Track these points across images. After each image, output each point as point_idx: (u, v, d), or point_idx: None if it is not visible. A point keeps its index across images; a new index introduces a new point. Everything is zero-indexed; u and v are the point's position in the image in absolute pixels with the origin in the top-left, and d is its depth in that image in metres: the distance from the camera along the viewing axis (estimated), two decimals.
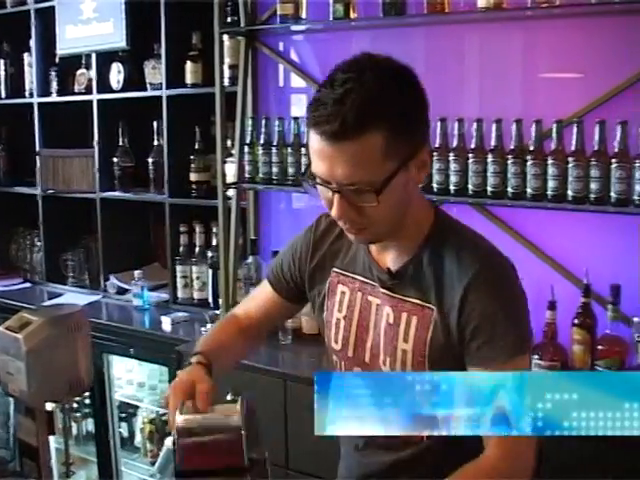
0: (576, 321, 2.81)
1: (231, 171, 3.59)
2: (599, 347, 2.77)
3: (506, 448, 1.57)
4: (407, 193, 1.66)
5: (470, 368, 1.68)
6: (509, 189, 2.80)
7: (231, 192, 3.60)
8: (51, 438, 3.32)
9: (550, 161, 2.71)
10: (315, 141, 1.59)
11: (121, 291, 4.34)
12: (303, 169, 1.63)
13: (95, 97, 4.27)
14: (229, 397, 1.72)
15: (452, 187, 2.90)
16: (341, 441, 1.98)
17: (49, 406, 2.42)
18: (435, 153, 2.92)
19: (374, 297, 1.83)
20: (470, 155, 2.86)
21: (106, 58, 4.22)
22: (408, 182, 1.64)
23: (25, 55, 4.68)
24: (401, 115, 1.57)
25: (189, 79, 3.87)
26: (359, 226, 1.67)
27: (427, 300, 1.74)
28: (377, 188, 1.57)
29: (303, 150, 3.27)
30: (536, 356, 2.80)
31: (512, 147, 2.79)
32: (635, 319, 2.72)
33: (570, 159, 2.68)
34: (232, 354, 2.05)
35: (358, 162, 1.55)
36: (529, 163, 2.74)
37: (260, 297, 2.11)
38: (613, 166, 2.61)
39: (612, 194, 2.62)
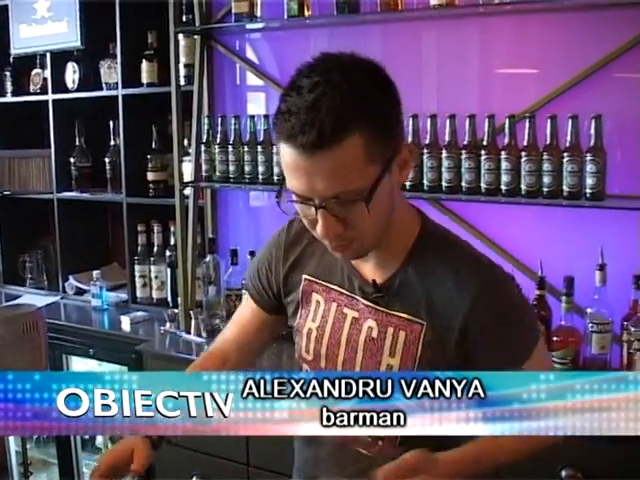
0: None
1: (188, 170, 3.59)
2: (554, 338, 2.81)
3: None
4: (392, 198, 1.56)
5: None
6: (463, 184, 2.83)
7: (188, 191, 3.60)
8: (11, 441, 3.31)
9: (503, 156, 2.74)
10: (289, 155, 1.45)
11: (80, 292, 4.31)
12: (276, 191, 1.49)
13: (50, 97, 4.23)
14: None
15: (407, 182, 2.92)
16: (300, 445, 1.93)
17: None
18: None
19: (351, 309, 1.74)
20: (425, 150, 2.88)
21: (61, 58, 4.18)
22: (393, 185, 1.54)
23: None
24: (378, 114, 1.47)
25: (145, 78, 3.85)
26: (347, 242, 1.56)
27: (416, 315, 1.66)
28: (365, 196, 1.46)
29: (259, 148, 3.28)
30: None
31: (466, 142, 2.82)
32: (589, 310, 2.76)
33: (523, 154, 2.72)
34: None
35: (341, 171, 1.43)
36: (483, 158, 2.78)
37: (241, 317, 1.98)
38: (565, 160, 2.65)
39: (564, 187, 2.66)
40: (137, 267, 4.01)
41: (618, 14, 2.74)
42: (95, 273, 4.11)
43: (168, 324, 3.64)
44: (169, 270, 3.89)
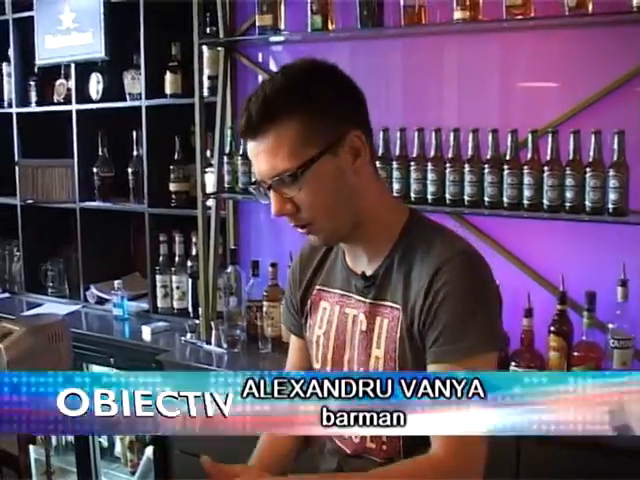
0: (552, 328, 2.84)
1: (210, 181, 3.60)
2: (575, 354, 2.80)
3: (454, 448, 1.56)
4: (343, 184, 1.65)
5: (429, 366, 1.64)
6: (486, 198, 2.83)
7: (210, 202, 3.62)
8: (31, 448, 3.33)
9: (526, 170, 2.74)
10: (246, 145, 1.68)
11: (101, 301, 4.33)
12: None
13: (74, 107, 4.26)
14: None
15: (430, 196, 2.93)
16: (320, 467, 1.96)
17: None
18: (412, 163, 2.95)
19: (351, 309, 1.81)
20: (447, 165, 2.89)
21: (85, 68, 4.22)
22: (341, 170, 1.64)
23: (4, 65, 4.67)
24: (314, 103, 1.60)
25: (168, 89, 3.88)
26: (302, 222, 1.68)
27: (395, 300, 1.72)
28: (295, 174, 1.59)
29: None
30: (513, 362, 2.84)
31: (489, 157, 2.82)
32: (610, 326, 2.75)
33: (545, 168, 2.71)
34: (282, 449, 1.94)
35: (275, 152, 1.59)
36: (505, 172, 2.78)
37: (291, 353, 2.04)
38: (587, 175, 2.64)
39: (587, 203, 2.66)
40: (158, 277, 4.03)
41: None
42: (116, 282, 4.13)
43: (189, 334, 3.65)
44: (190, 280, 3.90)
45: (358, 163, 1.66)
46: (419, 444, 1.62)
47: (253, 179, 3.33)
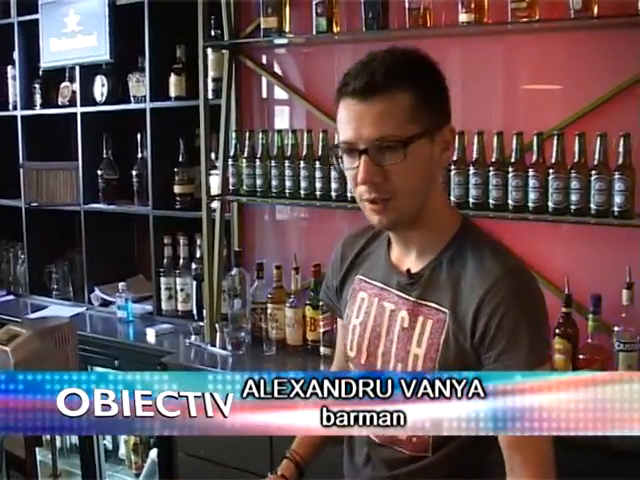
0: (557, 331, 2.83)
1: (215, 183, 3.61)
2: (580, 356, 2.80)
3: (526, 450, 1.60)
4: (430, 171, 1.71)
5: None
6: (491, 200, 2.83)
7: (215, 204, 3.62)
8: (37, 450, 3.33)
9: (531, 173, 2.74)
10: (343, 107, 1.67)
11: (105, 303, 4.34)
12: (331, 146, 1.69)
13: (79, 110, 4.27)
14: None
15: None
16: (345, 457, 1.99)
17: None
18: None
19: (389, 303, 1.83)
20: (452, 167, 2.89)
21: (90, 71, 4.23)
22: (432, 157, 1.69)
23: (9, 68, 4.68)
24: (427, 80, 1.68)
25: (173, 92, 3.88)
26: (384, 195, 1.67)
27: (442, 304, 1.73)
28: (404, 142, 1.62)
29: (287, 162, 3.29)
30: None
31: (494, 159, 2.82)
32: (616, 328, 2.74)
33: (551, 171, 2.71)
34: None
35: (386, 118, 1.62)
36: (510, 175, 2.78)
37: (339, 342, 2.10)
38: (593, 178, 2.64)
39: (592, 205, 2.65)
40: (163, 279, 4.03)
41: None
42: (121, 285, 4.14)
43: (193, 337, 3.66)
44: (195, 283, 3.90)
45: (444, 156, 1.73)
46: (448, 438, 1.67)
47: (259, 181, 3.36)
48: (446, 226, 1.79)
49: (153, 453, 3.87)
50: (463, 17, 2.88)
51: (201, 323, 3.70)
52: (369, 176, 1.65)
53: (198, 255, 3.88)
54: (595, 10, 2.66)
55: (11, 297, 4.78)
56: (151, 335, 3.83)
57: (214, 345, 3.53)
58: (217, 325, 3.55)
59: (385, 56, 1.67)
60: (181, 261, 4.00)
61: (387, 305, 1.83)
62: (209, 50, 3.62)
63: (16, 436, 2.43)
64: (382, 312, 1.84)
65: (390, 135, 1.62)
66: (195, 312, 3.93)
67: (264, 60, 3.71)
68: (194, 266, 3.92)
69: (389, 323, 1.82)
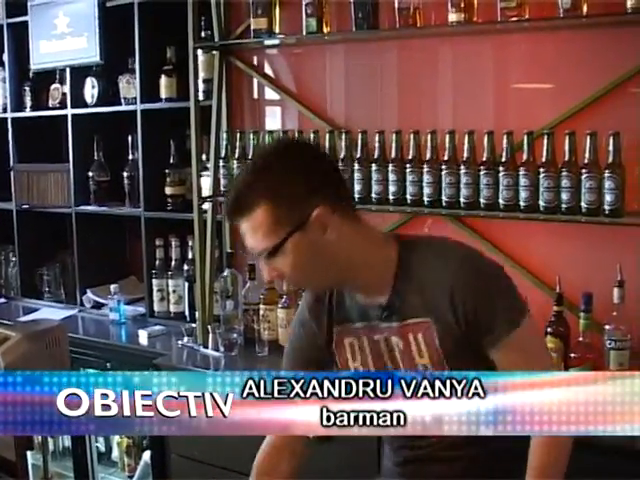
0: (549, 329, 2.84)
1: (206, 184, 3.60)
2: (572, 355, 2.81)
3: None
4: (320, 253, 1.81)
5: (491, 351, 1.83)
6: (482, 200, 2.83)
7: (206, 205, 3.62)
8: (28, 453, 3.31)
9: (522, 172, 2.74)
10: None
11: (97, 305, 4.33)
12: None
13: (69, 112, 4.26)
14: None
15: (426, 198, 2.94)
16: (383, 458, 2.09)
17: None
18: (408, 165, 2.96)
19: (379, 335, 1.93)
20: (443, 167, 2.89)
21: (80, 73, 4.21)
22: (314, 243, 1.79)
23: None
24: (278, 192, 1.77)
25: (164, 93, 3.87)
26: (294, 282, 1.93)
27: (422, 315, 1.86)
28: (272, 252, 1.78)
29: None
30: None
31: (484, 159, 2.83)
32: (607, 327, 2.75)
33: (541, 170, 2.71)
34: None
35: (253, 234, 1.80)
36: (501, 174, 2.78)
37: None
38: (583, 176, 2.64)
39: (583, 204, 2.66)
40: (155, 281, 4.03)
41: (637, 31, 2.74)
42: (113, 287, 4.13)
43: (185, 338, 3.65)
44: (187, 284, 3.90)
45: (329, 234, 1.80)
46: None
47: None
48: (386, 258, 1.90)
49: (146, 455, 3.86)
50: (453, 17, 2.88)
51: (193, 325, 3.69)
52: (270, 276, 1.86)
53: (190, 256, 3.87)
54: (584, 9, 2.67)
55: (2, 300, 4.76)
56: (143, 337, 3.82)
57: (206, 346, 3.53)
58: (209, 326, 3.55)
59: (247, 173, 1.86)
60: (173, 263, 3.99)
61: (378, 337, 1.94)
62: (199, 51, 3.62)
63: (6, 438, 2.42)
64: (377, 345, 1.94)
65: (262, 248, 1.79)
66: (187, 314, 3.92)
67: (255, 61, 3.71)
68: (186, 267, 3.91)
69: (388, 350, 1.93)
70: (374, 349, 1.95)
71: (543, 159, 2.72)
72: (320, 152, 2.00)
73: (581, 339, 2.81)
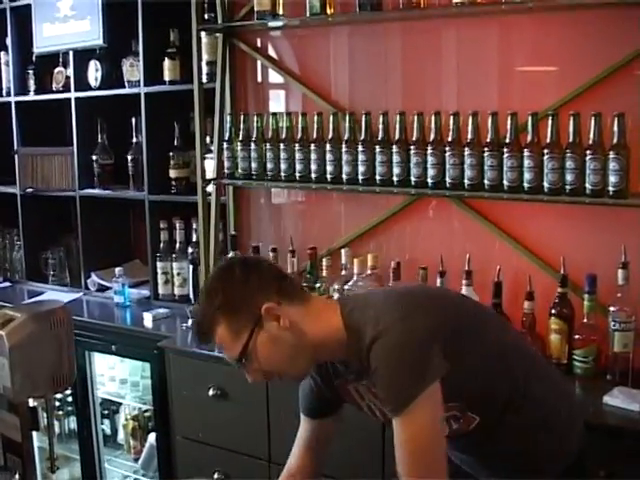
0: (553, 311, 2.85)
1: (210, 167, 3.60)
2: (576, 336, 2.82)
3: None
4: (283, 341, 1.99)
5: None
6: (486, 181, 2.83)
7: (210, 188, 3.62)
8: (34, 436, 3.33)
9: (526, 153, 2.73)
10: None
11: (102, 288, 4.34)
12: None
13: (73, 95, 4.25)
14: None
15: (430, 180, 2.93)
16: None
17: (32, 402, 2.43)
18: (412, 147, 2.95)
19: (363, 386, 2.10)
20: (447, 148, 2.89)
21: (83, 56, 4.20)
22: (274, 335, 1.98)
23: (1, 54, 4.66)
24: (227, 310, 1.97)
25: (167, 76, 3.86)
26: (273, 378, 2.08)
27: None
28: (243, 357, 1.99)
29: (282, 145, 3.29)
30: None
31: (488, 140, 2.82)
32: (611, 308, 2.75)
33: (545, 151, 2.71)
34: None
35: (222, 348, 2.03)
36: (505, 155, 2.77)
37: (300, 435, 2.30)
38: (588, 158, 2.64)
39: (587, 185, 2.65)
40: (159, 264, 4.03)
41: None
42: (117, 270, 4.14)
43: (190, 321, 3.66)
44: (191, 267, 3.90)
45: (282, 323, 1.98)
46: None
47: (254, 164, 3.36)
48: (336, 328, 2.01)
49: (151, 437, 3.89)
50: None
51: None
52: (252, 379, 2.06)
53: (194, 239, 3.88)
54: None
55: (7, 284, 4.79)
56: (148, 320, 3.83)
57: None
58: None
59: (199, 303, 2.08)
60: (177, 245, 4.00)
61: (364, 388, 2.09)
62: (203, 34, 3.61)
63: (12, 420, 2.43)
64: (369, 390, 2.07)
65: (235, 357, 2.00)
66: (192, 296, 3.92)
67: (258, 43, 3.70)
68: (190, 250, 3.91)
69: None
70: (372, 392, 2.06)
71: (547, 140, 2.71)
72: (253, 260, 2.29)
73: (585, 321, 2.81)
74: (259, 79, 3.77)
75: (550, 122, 2.71)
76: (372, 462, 2.83)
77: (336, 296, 2.18)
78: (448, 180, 2.90)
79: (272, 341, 1.99)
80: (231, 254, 3.57)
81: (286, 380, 2.15)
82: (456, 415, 2.01)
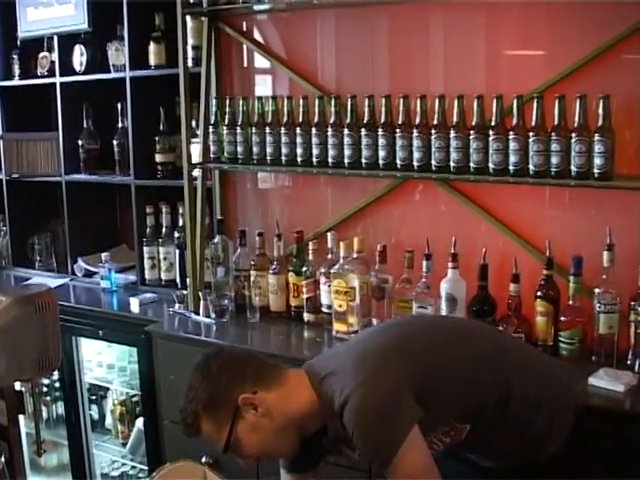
0: (539, 293, 2.86)
1: (196, 151, 3.59)
2: (562, 318, 2.83)
3: None
4: (264, 427, 2.09)
5: None
6: (472, 164, 2.82)
7: (196, 172, 3.61)
8: (21, 421, 3.33)
9: (511, 136, 2.73)
10: None
11: (89, 274, 4.34)
12: None
13: (58, 80, 4.23)
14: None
15: (416, 163, 2.93)
16: None
17: (18, 386, 2.43)
18: (398, 130, 2.95)
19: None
20: (433, 131, 2.88)
21: (68, 40, 4.18)
22: (254, 423, 2.08)
23: None
24: (206, 400, 2.08)
25: (152, 60, 3.85)
26: (269, 460, 2.24)
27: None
28: (229, 446, 2.09)
29: (267, 129, 3.29)
30: (501, 328, 2.86)
31: (474, 123, 2.82)
32: (596, 290, 2.76)
33: (531, 134, 2.71)
34: None
35: (212, 440, 2.11)
36: (491, 138, 2.77)
37: None
38: (573, 140, 2.64)
39: (572, 168, 2.65)
40: (146, 249, 4.03)
41: None
42: (104, 255, 4.13)
43: (177, 305, 3.66)
44: (178, 251, 3.90)
45: (260, 410, 2.08)
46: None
47: (240, 148, 3.36)
48: (311, 405, 2.10)
49: (139, 422, 3.89)
50: None
51: (185, 291, 3.70)
52: (245, 465, 2.15)
53: (181, 224, 3.87)
54: None
55: None
56: (135, 304, 3.83)
57: (198, 313, 3.54)
58: (200, 293, 3.55)
59: (183, 402, 2.13)
60: (164, 230, 3.99)
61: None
62: (188, 17, 3.58)
63: None
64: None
65: (220, 447, 2.09)
66: (178, 281, 3.93)
67: (244, 27, 3.68)
68: (177, 235, 3.91)
69: None
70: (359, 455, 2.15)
71: (533, 123, 2.71)
72: (227, 354, 2.25)
73: (571, 302, 2.82)
74: (245, 63, 3.76)
75: (535, 105, 2.71)
76: None
77: (304, 366, 2.24)
78: (434, 163, 2.90)
79: (253, 429, 2.09)
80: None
81: (273, 460, 2.27)
82: (446, 430, 2.08)
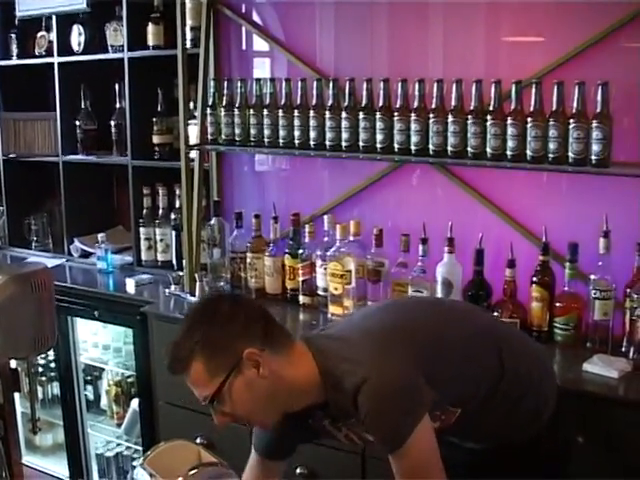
0: (535, 279, 2.86)
1: (194, 133, 3.58)
2: (557, 304, 2.84)
3: None
4: (260, 389, 1.97)
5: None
6: (469, 149, 2.82)
7: (194, 154, 3.60)
8: (17, 401, 3.33)
9: (509, 121, 2.73)
10: None
11: (85, 254, 4.34)
12: None
13: (56, 60, 4.22)
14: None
15: (413, 147, 2.93)
16: None
17: (14, 364, 2.43)
18: (396, 114, 2.95)
19: (339, 432, 2.15)
20: (431, 115, 2.88)
21: (66, 20, 4.16)
22: (251, 382, 1.95)
23: None
24: (207, 345, 1.94)
25: (151, 41, 3.84)
26: (241, 422, 2.05)
27: (351, 416, 2.01)
28: (215, 399, 1.96)
29: (265, 111, 3.28)
30: (496, 313, 2.86)
31: (472, 107, 2.81)
32: (592, 277, 2.77)
33: (529, 119, 2.70)
34: None
35: (195, 384, 1.98)
36: (489, 123, 2.77)
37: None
38: (571, 126, 2.64)
39: (570, 154, 2.65)
40: (142, 230, 4.03)
41: None
42: (100, 236, 4.13)
43: (173, 286, 3.66)
44: (174, 233, 3.90)
45: (262, 371, 1.95)
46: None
47: (238, 130, 3.35)
48: (312, 379, 2.01)
49: (134, 403, 3.90)
50: None
51: (181, 273, 3.70)
52: (219, 421, 2.02)
53: (177, 205, 3.87)
54: None
55: None
56: (131, 285, 3.83)
57: (194, 295, 3.54)
58: (196, 275, 3.55)
59: (178, 335, 2.00)
60: (160, 211, 4.00)
61: (341, 434, 2.17)
62: None
63: None
64: (348, 434, 2.15)
65: (203, 396, 1.97)
66: (175, 262, 3.93)
67: (243, 9, 3.67)
68: (173, 216, 3.91)
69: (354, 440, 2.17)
70: (347, 436, 2.14)
71: (531, 108, 2.71)
72: (242, 299, 2.23)
73: (566, 289, 2.83)
74: (243, 45, 3.75)
75: (534, 90, 2.71)
76: None
77: (302, 335, 2.21)
78: (431, 147, 2.90)
79: (248, 387, 1.97)
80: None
81: (253, 426, 2.19)
82: (437, 415, 2.06)
